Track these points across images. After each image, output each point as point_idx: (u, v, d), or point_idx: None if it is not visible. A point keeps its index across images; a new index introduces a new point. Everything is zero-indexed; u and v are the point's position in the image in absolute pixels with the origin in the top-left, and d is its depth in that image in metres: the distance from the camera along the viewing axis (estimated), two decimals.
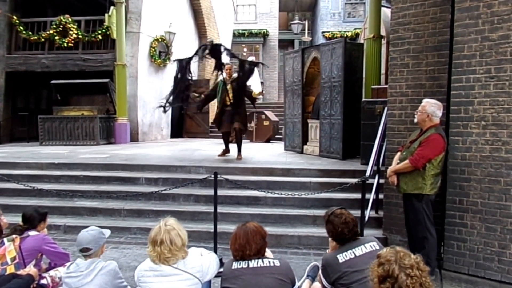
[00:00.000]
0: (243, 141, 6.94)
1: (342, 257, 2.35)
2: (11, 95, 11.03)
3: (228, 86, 6.45)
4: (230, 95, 6.45)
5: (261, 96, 7.39)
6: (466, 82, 3.48)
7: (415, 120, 3.48)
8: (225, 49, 6.23)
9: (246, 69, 6.22)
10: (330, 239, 2.57)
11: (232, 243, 2.32)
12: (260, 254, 2.28)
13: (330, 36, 16.42)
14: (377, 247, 2.40)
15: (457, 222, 3.55)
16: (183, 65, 6.22)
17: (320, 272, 2.51)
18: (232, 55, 6.47)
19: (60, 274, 2.92)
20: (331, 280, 2.36)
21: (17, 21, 10.51)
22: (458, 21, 3.51)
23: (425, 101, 3.45)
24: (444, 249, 3.66)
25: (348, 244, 2.41)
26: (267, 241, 2.37)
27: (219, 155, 6.88)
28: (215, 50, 6.19)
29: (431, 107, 3.36)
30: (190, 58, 6.22)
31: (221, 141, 6.90)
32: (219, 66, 6.38)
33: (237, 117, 6.39)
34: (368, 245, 2.40)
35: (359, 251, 2.37)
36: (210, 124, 12.35)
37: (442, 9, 3.73)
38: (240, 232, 2.31)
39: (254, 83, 14.67)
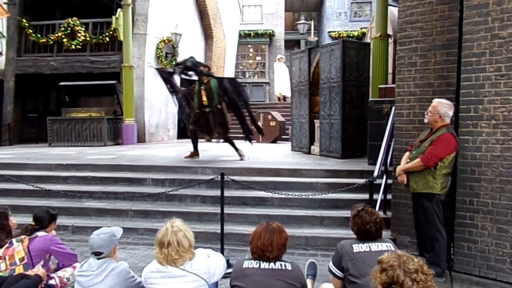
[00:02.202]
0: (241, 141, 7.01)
1: (357, 248, 2.37)
2: (20, 97, 11.18)
3: (202, 87, 6.28)
4: (204, 97, 6.27)
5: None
6: (475, 81, 3.43)
7: (426, 120, 3.43)
8: (197, 65, 6.39)
9: (227, 85, 6.29)
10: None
11: (254, 240, 2.25)
12: (277, 259, 2.24)
13: (336, 36, 16.33)
14: (392, 249, 2.38)
15: (467, 223, 3.50)
16: (166, 77, 6.72)
17: (331, 261, 2.49)
18: (203, 72, 6.42)
19: (68, 275, 2.94)
20: (341, 266, 2.37)
21: (26, 24, 10.65)
22: (467, 18, 3.46)
23: (437, 101, 3.40)
24: (454, 250, 3.61)
25: (368, 241, 2.41)
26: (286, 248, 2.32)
27: (186, 157, 6.71)
28: (190, 68, 6.34)
29: (444, 107, 3.31)
30: (171, 73, 6.69)
31: (227, 142, 6.86)
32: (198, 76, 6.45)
33: (219, 127, 6.46)
34: (385, 245, 2.40)
35: (374, 247, 2.37)
36: None
37: (450, 7, 3.68)
38: (265, 232, 2.24)
39: (282, 84, 13.98)
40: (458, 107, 3.54)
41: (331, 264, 2.47)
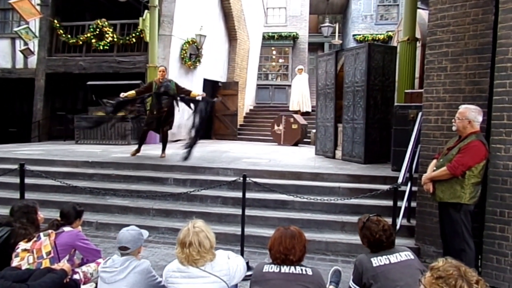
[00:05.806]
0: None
1: (376, 261, 2.31)
2: (50, 95, 11.59)
3: (160, 90, 6.97)
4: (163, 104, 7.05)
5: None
6: (510, 87, 3.29)
7: (454, 128, 3.31)
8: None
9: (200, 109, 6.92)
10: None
11: (275, 245, 2.24)
12: (299, 262, 2.23)
13: (361, 39, 16.10)
14: (412, 257, 2.33)
15: (497, 235, 3.35)
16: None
17: (351, 275, 2.44)
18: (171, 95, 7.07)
19: (92, 270, 3.01)
20: (362, 283, 2.31)
21: (57, 25, 11.03)
22: (503, 22, 3.32)
23: (464, 107, 3.29)
24: (482, 263, 3.47)
25: (383, 251, 2.35)
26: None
27: (132, 154, 7.13)
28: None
29: (472, 112, 3.20)
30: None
31: (251, 142, 6.97)
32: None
33: (167, 124, 7.33)
34: (404, 254, 2.33)
35: (393, 258, 2.30)
36: (238, 127, 12.42)
37: (485, 10, 3.55)
38: (285, 236, 2.23)
39: (301, 98, 13.08)
40: (490, 114, 3.41)
41: (351, 282, 2.42)
